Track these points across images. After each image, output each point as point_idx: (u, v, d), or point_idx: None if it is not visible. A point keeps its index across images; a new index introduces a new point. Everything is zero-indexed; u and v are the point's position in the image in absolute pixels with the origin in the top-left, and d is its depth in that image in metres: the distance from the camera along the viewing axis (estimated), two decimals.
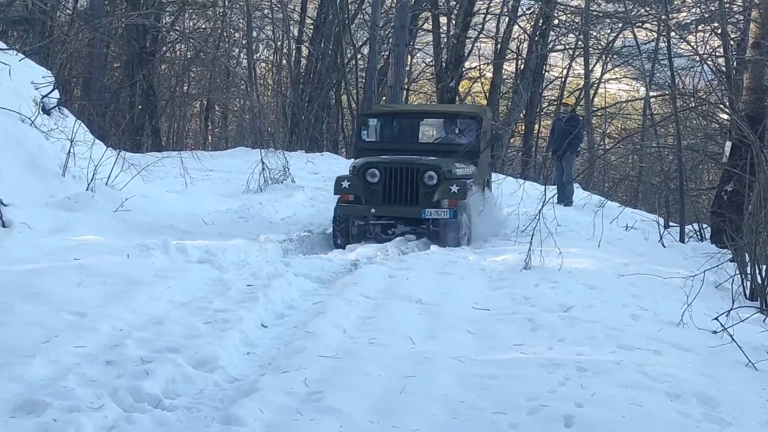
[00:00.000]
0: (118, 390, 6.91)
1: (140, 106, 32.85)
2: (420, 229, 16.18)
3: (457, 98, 39.05)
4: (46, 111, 18.97)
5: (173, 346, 8.23)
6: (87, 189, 16.91)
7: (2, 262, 12.14)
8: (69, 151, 17.47)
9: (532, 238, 12.73)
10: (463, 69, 39.13)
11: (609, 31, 38.17)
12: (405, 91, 37.98)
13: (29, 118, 17.73)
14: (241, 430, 6.17)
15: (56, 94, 19.80)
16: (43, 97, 19.02)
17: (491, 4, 39.64)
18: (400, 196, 15.98)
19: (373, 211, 15.91)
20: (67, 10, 32.52)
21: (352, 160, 18.07)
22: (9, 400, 6.73)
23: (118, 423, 6.35)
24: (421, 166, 16.01)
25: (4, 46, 18.68)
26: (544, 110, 41.29)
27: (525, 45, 39.29)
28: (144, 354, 7.94)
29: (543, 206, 13.33)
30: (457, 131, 18.30)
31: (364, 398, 6.93)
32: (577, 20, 38.05)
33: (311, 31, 40.36)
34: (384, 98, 35.95)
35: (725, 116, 20.44)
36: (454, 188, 15.70)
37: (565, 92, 40.95)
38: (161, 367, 7.48)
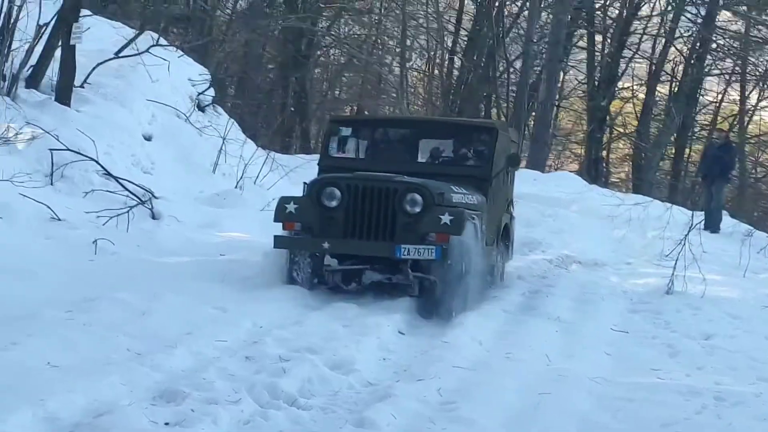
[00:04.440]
0: (255, 386, 7.03)
1: (292, 108, 33.26)
2: (398, 278, 11.08)
3: (607, 117, 38.67)
4: (201, 108, 19.41)
5: (311, 346, 8.35)
6: (236, 186, 17.22)
7: (151, 253, 12.50)
8: (221, 149, 17.82)
9: (676, 263, 12.54)
10: (616, 88, 38.73)
11: None
12: (556, 108, 37.73)
13: (185, 114, 18.15)
14: None
15: (212, 91, 20.26)
16: (199, 94, 19.48)
17: (648, 25, 39.16)
18: (368, 228, 10.95)
19: (326, 246, 10.88)
20: (227, 10, 33.11)
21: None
22: (150, 388, 6.92)
23: (253, 418, 6.46)
24: (401, 186, 10.99)
25: (164, 42, 19.12)
26: (695, 134, 40.66)
27: (680, 68, 38.64)
28: (282, 352, 8.07)
29: (690, 231, 13.12)
30: (464, 151, 13.22)
31: (498, 411, 6.93)
32: (735, 45, 37.38)
33: (465, 42, 40.32)
34: (533, 113, 35.83)
35: None
36: (446, 218, 10.70)
37: (719, 117, 40.27)
38: (299, 367, 7.58)
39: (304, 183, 11.69)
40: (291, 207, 11.03)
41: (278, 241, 10.97)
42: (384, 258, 10.91)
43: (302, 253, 11.11)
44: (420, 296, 10.87)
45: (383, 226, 10.91)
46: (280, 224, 11.10)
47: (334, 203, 10.99)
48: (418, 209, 10.84)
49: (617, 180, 42.24)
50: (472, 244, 10.98)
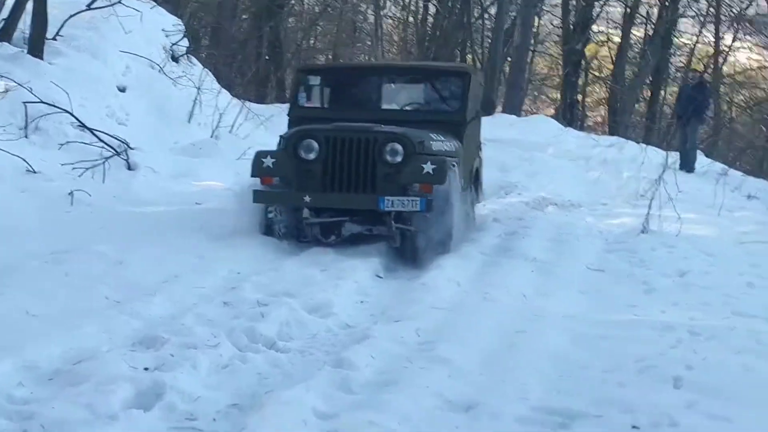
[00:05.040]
0: (234, 330, 7.11)
1: (267, 58, 33.15)
2: (379, 229, 10.82)
3: (583, 61, 38.67)
4: (175, 59, 19.36)
5: (289, 291, 8.42)
6: (211, 136, 17.24)
7: (127, 204, 12.54)
8: (195, 99, 17.78)
9: (651, 202, 12.61)
10: (591, 32, 38.68)
11: None
12: (531, 53, 37.67)
13: (159, 65, 18.09)
14: (352, 374, 6.26)
15: (185, 42, 20.17)
16: (173, 45, 19.41)
17: None
18: (348, 180, 10.72)
19: (307, 199, 10.54)
20: None
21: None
22: (129, 335, 7.00)
23: (232, 361, 6.52)
24: (381, 135, 10.74)
25: None
26: (671, 76, 40.69)
27: (655, 10, 38.63)
28: (260, 297, 8.14)
29: (664, 171, 13.18)
30: (435, 96, 13.00)
31: (475, 350, 6.98)
32: None
33: None
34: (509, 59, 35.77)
35: None
36: (429, 167, 10.51)
37: (694, 59, 40.30)
38: (276, 311, 7.65)
39: (280, 136, 11.34)
40: (268, 161, 10.76)
41: (257, 196, 10.62)
42: (364, 209, 10.69)
43: (280, 208, 10.85)
44: (401, 246, 10.67)
45: (363, 177, 10.65)
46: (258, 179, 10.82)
47: (311, 156, 10.71)
48: (399, 159, 10.61)
49: (593, 124, 42.33)
50: (453, 192, 10.74)
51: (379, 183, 10.59)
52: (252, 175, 10.87)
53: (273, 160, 10.78)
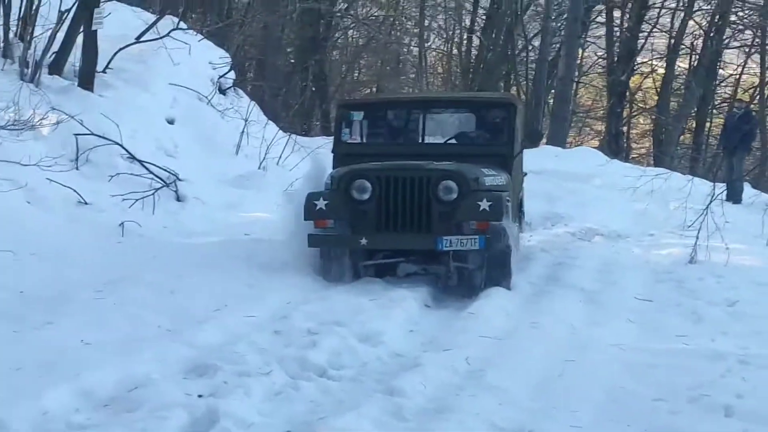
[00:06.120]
0: (285, 358, 7.18)
1: (313, 89, 33.34)
2: (435, 268, 10.90)
3: (627, 93, 38.58)
4: (222, 91, 19.53)
5: (339, 320, 8.46)
6: (259, 167, 17.35)
7: (177, 234, 12.68)
8: (243, 131, 17.91)
9: (698, 233, 12.57)
10: (635, 63, 38.62)
11: None
12: (575, 84, 37.65)
13: (206, 97, 18.26)
14: (404, 402, 6.30)
15: (232, 74, 20.37)
16: (220, 77, 19.58)
17: None
18: (402, 220, 10.58)
19: (363, 242, 10.42)
20: None
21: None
22: (181, 362, 7.07)
23: (285, 389, 6.59)
24: (434, 174, 10.62)
25: (184, 26, 19.22)
26: (716, 107, 40.53)
27: (699, 41, 38.53)
28: (311, 326, 8.23)
29: (711, 201, 13.15)
30: (481, 128, 12.90)
31: (525, 378, 7.03)
32: (754, 16, 37.24)
33: (483, 21, 40.33)
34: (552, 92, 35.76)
35: None
36: (485, 204, 10.29)
37: (739, 90, 40.13)
38: (327, 339, 7.72)
39: (330, 176, 11.12)
40: (321, 203, 10.52)
41: (313, 240, 10.47)
42: (420, 250, 10.62)
43: (337, 251, 10.69)
44: (459, 285, 10.55)
45: (418, 216, 10.52)
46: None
47: (365, 196, 10.60)
48: (453, 196, 10.45)
49: (637, 155, 42.17)
50: (509, 227, 10.63)
51: (435, 221, 10.46)
52: (305, 219, 10.61)
53: (326, 202, 10.54)
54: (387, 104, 13.73)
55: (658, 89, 39.41)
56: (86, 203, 12.81)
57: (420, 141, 12.66)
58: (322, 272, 10.64)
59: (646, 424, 6.16)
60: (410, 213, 10.53)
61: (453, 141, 12.69)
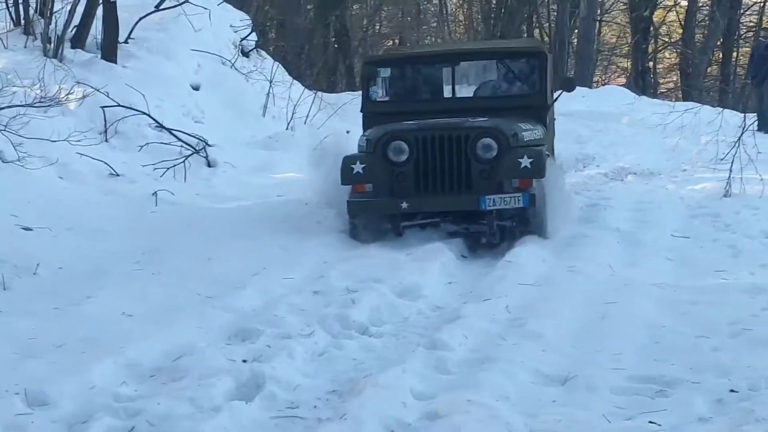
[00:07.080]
0: (326, 318, 7.20)
1: (336, 45, 33.24)
2: (477, 226, 10.43)
3: (651, 28, 38.22)
4: (245, 54, 19.51)
5: (377, 276, 8.48)
6: (286, 128, 17.36)
7: (210, 200, 12.70)
8: (268, 92, 17.92)
9: (731, 166, 12.48)
10: None
11: None
12: (598, 23, 37.36)
13: (230, 61, 18.25)
14: (447, 354, 6.33)
15: (254, 36, 20.32)
16: (242, 39, 19.56)
17: None
18: (442, 181, 10.27)
19: (404, 206, 10.11)
20: None
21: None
22: (223, 328, 7.12)
23: (327, 349, 6.63)
24: (472, 131, 10.28)
25: None
26: (742, 37, 40.14)
27: None
28: (349, 284, 8.23)
29: (743, 133, 13.04)
30: (513, 79, 12.36)
31: (566, 324, 7.03)
32: None
33: None
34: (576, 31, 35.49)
35: None
36: (526, 161, 10.02)
37: (765, 18, 39.74)
38: (366, 297, 7.75)
39: (365, 138, 10.76)
40: (358, 167, 10.19)
41: (353, 208, 10.20)
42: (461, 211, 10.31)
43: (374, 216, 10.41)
44: (501, 242, 10.17)
45: (458, 176, 10.21)
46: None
47: (402, 158, 10.28)
48: (493, 154, 10.15)
49: (665, 90, 41.88)
50: (551, 181, 10.43)
51: (475, 180, 10.18)
52: (342, 183, 10.32)
53: (363, 165, 10.21)
54: (414, 59, 13.14)
55: (682, 22, 39.09)
56: (118, 175, 12.85)
57: (451, 96, 12.23)
58: (353, 235, 10.37)
59: (691, 362, 6.15)
60: (449, 173, 10.23)
61: (485, 95, 12.33)
